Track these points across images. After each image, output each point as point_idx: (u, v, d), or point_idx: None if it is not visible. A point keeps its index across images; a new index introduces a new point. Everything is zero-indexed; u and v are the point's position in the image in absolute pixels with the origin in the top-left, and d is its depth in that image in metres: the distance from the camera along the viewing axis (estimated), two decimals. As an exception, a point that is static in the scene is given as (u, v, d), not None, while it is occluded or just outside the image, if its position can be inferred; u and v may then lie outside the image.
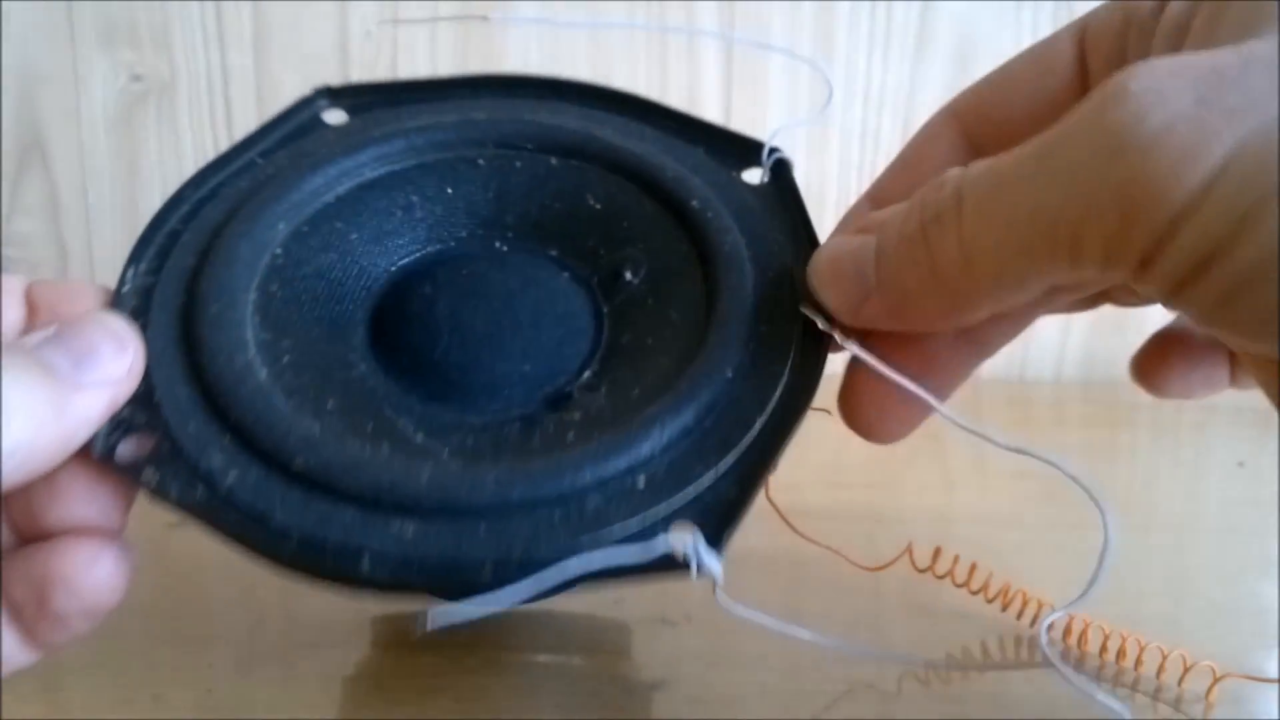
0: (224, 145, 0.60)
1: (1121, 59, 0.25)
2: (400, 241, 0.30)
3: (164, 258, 0.28)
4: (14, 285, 0.26)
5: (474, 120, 0.31)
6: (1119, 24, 0.25)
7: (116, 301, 0.27)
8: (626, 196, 0.30)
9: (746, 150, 0.31)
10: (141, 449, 0.25)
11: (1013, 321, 0.29)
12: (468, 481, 0.24)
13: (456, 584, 0.23)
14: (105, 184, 0.62)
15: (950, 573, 0.36)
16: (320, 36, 0.60)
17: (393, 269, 0.30)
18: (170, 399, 0.25)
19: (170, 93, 0.61)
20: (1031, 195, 0.21)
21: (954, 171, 0.23)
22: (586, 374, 0.29)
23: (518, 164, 0.31)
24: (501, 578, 0.23)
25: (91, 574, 0.24)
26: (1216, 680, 0.31)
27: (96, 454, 0.24)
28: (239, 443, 0.25)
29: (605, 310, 0.30)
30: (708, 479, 0.25)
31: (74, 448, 0.23)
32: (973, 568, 0.35)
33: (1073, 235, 0.20)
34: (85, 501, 0.25)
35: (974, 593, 0.35)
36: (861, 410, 0.28)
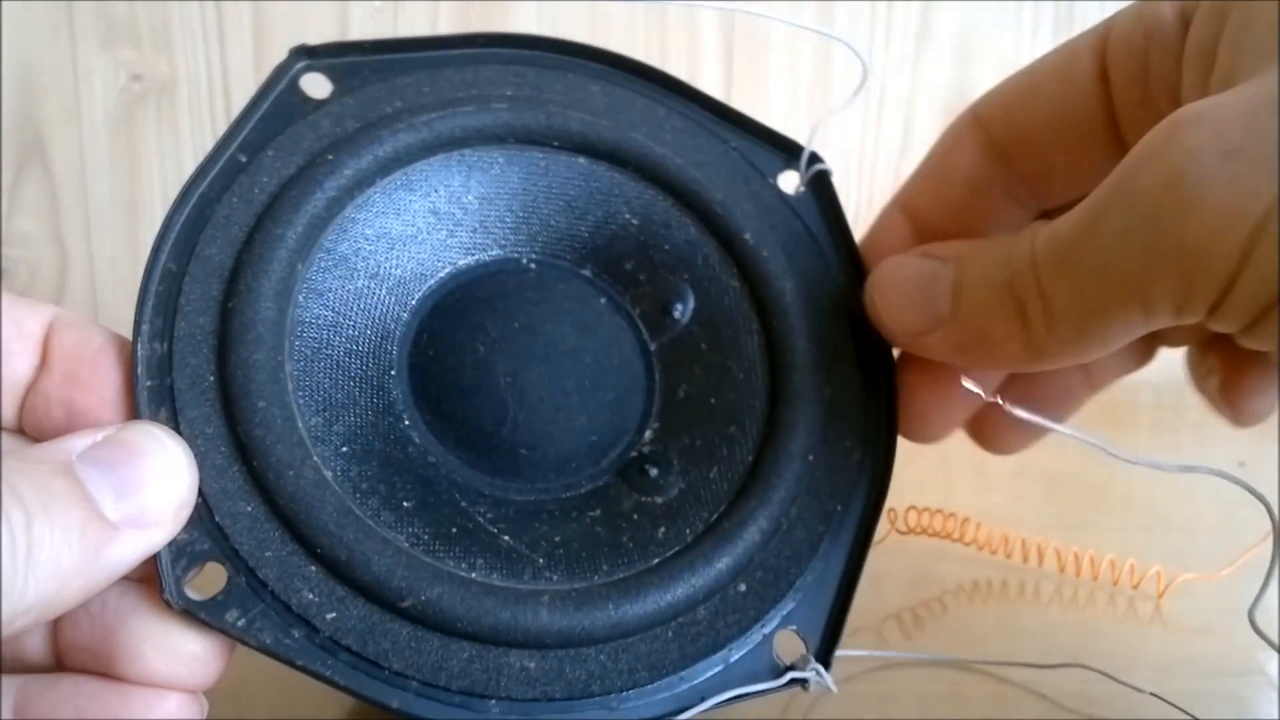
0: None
1: (1144, 76, 0.25)
2: (423, 267, 0.27)
3: (170, 315, 0.24)
4: (34, 329, 0.22)
5: (491, 110, 0.27)
6: (1140, 41, 0.25)
7: (134, 383, 0.23)
8: (665, 214, 0.28)
9: (782, 149, 0.29)
10: (214, 583, 0.22)
11: (1124, 359, 0.30)
12: (587, 616, 0.23)
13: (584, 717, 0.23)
14: (105, 183, 0.62)
15: (930, 527, 0.38)
16: (320, 35, 0.60)
17: (421, 303, 0.27)
18: (234, 520, 0.22)
19: (170, 92, 0.61)
20: (1096, 259, 0.22)
21: (1027, 232, 0.24)
22: (648, 433, 0.28)
23: (542, 162, 0.28)
24: (628, 705, 0.23)
25: None
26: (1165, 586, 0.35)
27: (171, 601, 0.22)
28: (330, 573, 0.23)
29: (652, 347, 0.28)
30: (804, 580, 0.25)
31: (96, 591, 0.20)
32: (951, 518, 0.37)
33: (1141, 294, 0.21)
34: (182, 662, 0.22)
35: (966, 542, 0.37)
36: (914, 414, 0.28)
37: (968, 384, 0.26)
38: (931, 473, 0.46)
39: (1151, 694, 0.29)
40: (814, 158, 0.29)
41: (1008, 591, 0.36)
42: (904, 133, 0.63)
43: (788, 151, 0.29)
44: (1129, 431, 0.55)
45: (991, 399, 0.26)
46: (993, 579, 0.37)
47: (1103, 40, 0.26)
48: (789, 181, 0.29)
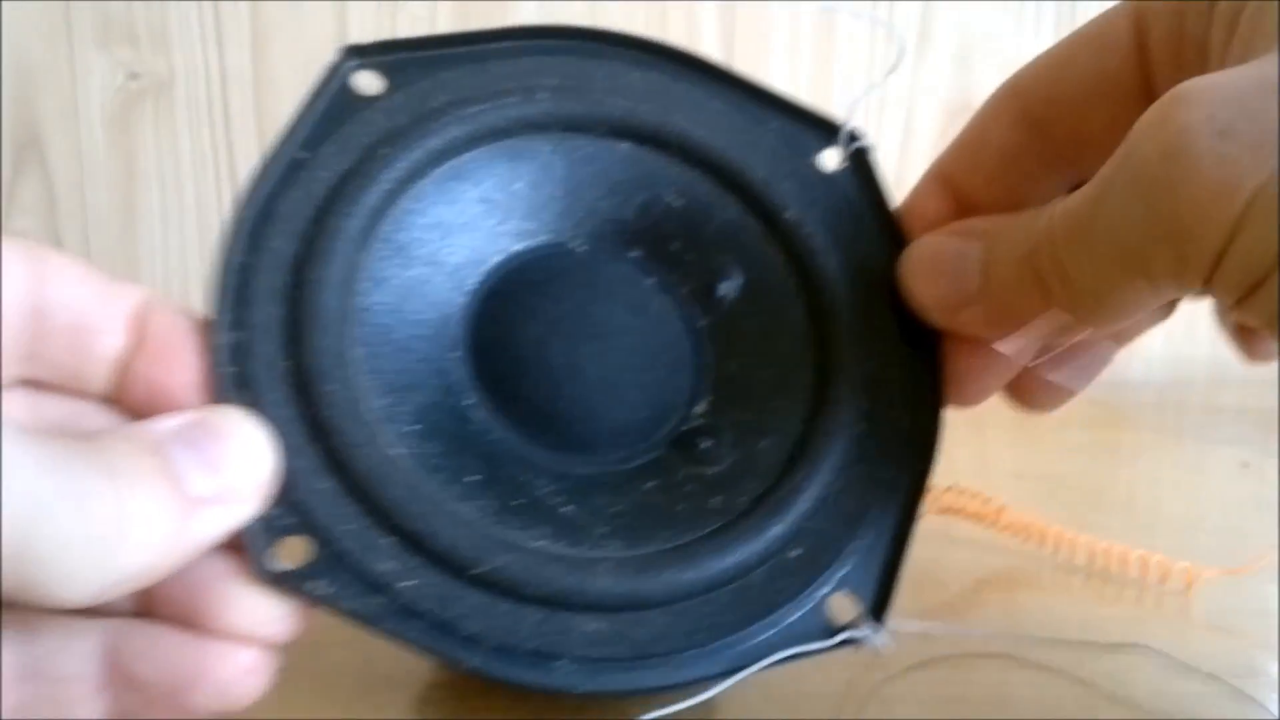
0: (221, 144, 0.61)
1: (1179, 39, 0.25)
2: (478, 253, 0.29)
3: (244, 306, 0.25)
4: (126, 308, 0.24)
5: (536, 100, 0.28)
6: (1176, 2, 0.25)
7: (213, 371, 0.24)
8: (708, 194, 0.29)
9: (820, 128, 0.30)
10: (298, 554, 0.24)
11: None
12: (647, 580, 0.25)
13: (646, 677, 0.25)
14: (103, 182, 0.62)
15: (966, 508, 0.39)
16: (319, 35, 0.60)
17: (476, 288, 0.29)
18: (314, 496, 0.24)
19: (168, 91, 0.61)
20: (1102, 231, 0.22)
21: (1048, 207, 0.24)
22: (699, 407, 0.29)
23: (586, 149, 0.29)
24: (688, 666, 0.25)
25: (246, 684, 0.23)
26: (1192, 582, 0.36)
27: (261, 575, 0.23)
28: (405, 544, 0.24)
29: (700, 325, 0.29)
30: (856, 545, 0.26)
31: (184, 563, 0.22)
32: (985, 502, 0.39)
33: (1143, 266, 0.22)
34: (263, 621, 0.23)
35: (1000, 528, 0.38)
36: (955, 380, 0.29)
37: (1001, 347, 0.26)
38: (935, 473, 0.46)
39: (1209, 674, 0.30)
40: (853, 135, 0.29)
41: (1041, 581, 0.37)
42: (904, 132, 0.63)
43: (826, 130, 0.30)
44: (1131, 432, 0.55)
45: (1030, 364, 0.27)
46: (1027, 568, 0.38)
47: (1138, 5, 0.26)
48: (829, 159, 0.30)
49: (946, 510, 0.39)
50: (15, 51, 0.60)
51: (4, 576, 0.18)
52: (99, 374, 0.24)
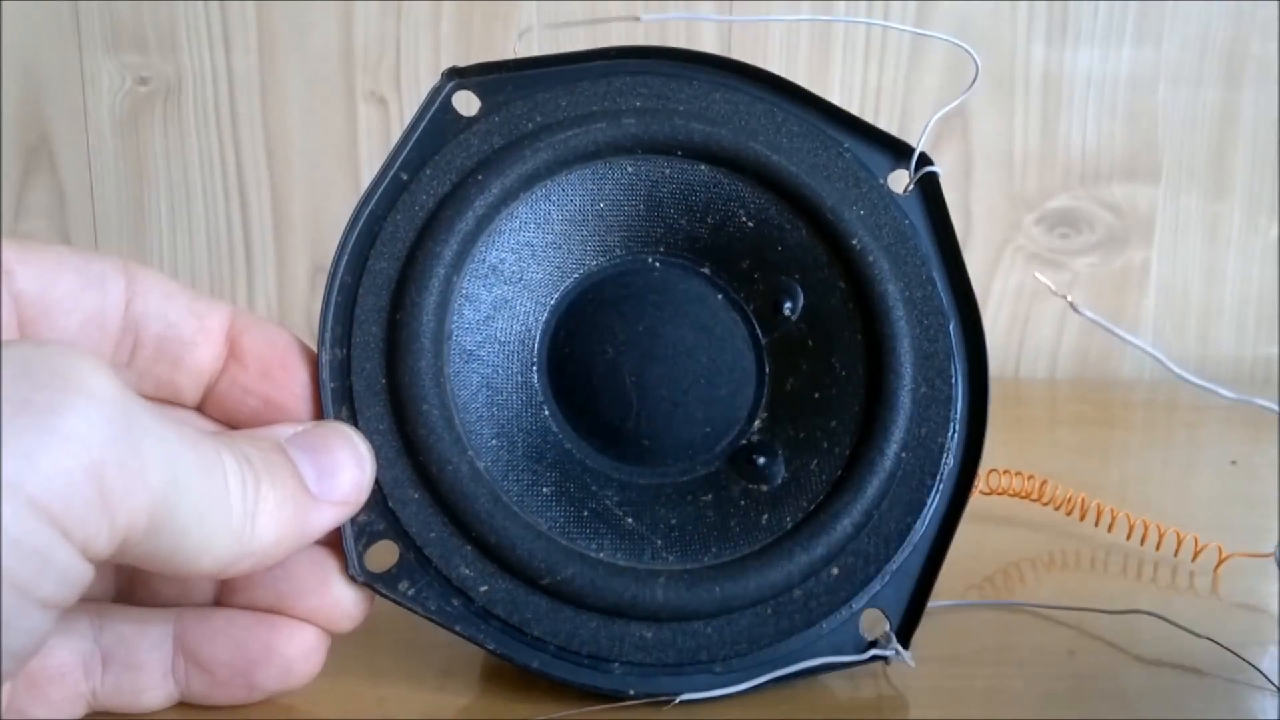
0: (229, 147, 0.62)
1: None
2: (560, 270, 0.30)
3: (348, 324, 0.27)
4: (214, 324, 0.26)
5: (622, 124, 0.29)
6: None
7: (320, 384, 0.27)
8: (779, 216, 0.30)
9: (893, 149, 0.30)
10: (386, 558, 0.26)
11: None
12: (698, 595, 0.27)
13: (691, 682, 0.27)
14: (111, 186, 0.63)
15: (1010, 488, 0.40)
16: (324, 37, 0.61)
17: (558, 302, 0.30)
18: (404, 506, 0.27)
19: (176, 95, 0.62)
20: None
21: None
22: (757, 422, 0.30)
23: (666, 170, 0.30)
24: (728, 672, 0.27)
25: (310, 663, 0.26)
26: (1222, 560, 0.36)
27: (356, 575, 0.26)
28: (483, 553, 0.27)
29: (763, 341, 0.31)
30: (891, 565, 0.28)
31: (296, 550, 0.24)
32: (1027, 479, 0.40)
33: None
34: (343, 614, 0.26)
35: (1044, 503, 0.40)
36: None
37: (1041, 277, 0.27)
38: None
39: (1209, 639, 0.30)
40: (924, 159, 0.30)
41: (1080, 564, 0.38)
42: (899, 133, 0.63)
43: (898, 151, 0.30)
44: (1122, 430, 0.56)
45: (1063, 296, 0.28)
46: (1066, 550, 0.39)
47: None
48: (899, 181, 0.30)
49: (993, 492, 0.40)
50: (24, 56, 0.61)
51: (145, 540, 0.20)
52: (190, 385, 0.26)
